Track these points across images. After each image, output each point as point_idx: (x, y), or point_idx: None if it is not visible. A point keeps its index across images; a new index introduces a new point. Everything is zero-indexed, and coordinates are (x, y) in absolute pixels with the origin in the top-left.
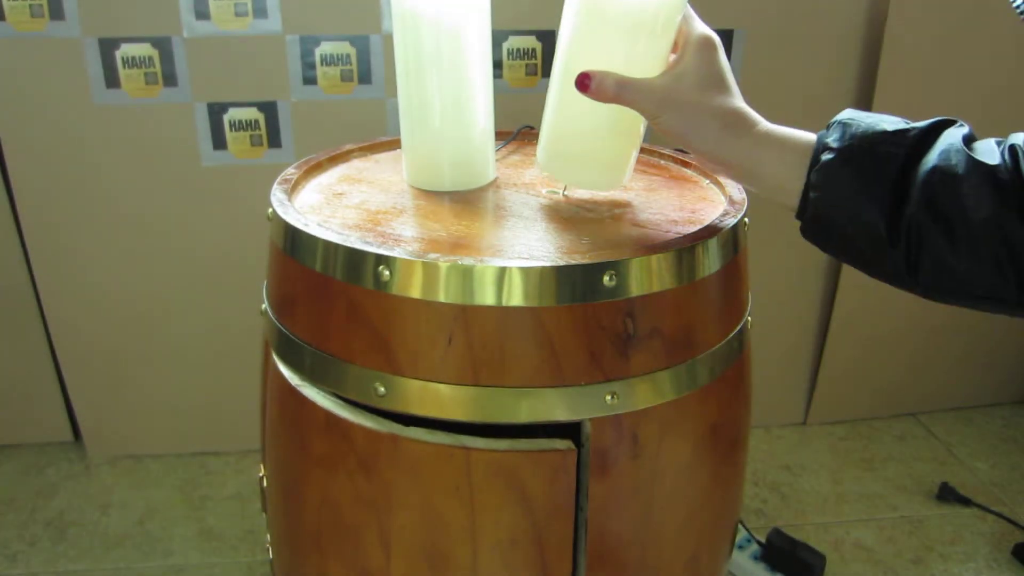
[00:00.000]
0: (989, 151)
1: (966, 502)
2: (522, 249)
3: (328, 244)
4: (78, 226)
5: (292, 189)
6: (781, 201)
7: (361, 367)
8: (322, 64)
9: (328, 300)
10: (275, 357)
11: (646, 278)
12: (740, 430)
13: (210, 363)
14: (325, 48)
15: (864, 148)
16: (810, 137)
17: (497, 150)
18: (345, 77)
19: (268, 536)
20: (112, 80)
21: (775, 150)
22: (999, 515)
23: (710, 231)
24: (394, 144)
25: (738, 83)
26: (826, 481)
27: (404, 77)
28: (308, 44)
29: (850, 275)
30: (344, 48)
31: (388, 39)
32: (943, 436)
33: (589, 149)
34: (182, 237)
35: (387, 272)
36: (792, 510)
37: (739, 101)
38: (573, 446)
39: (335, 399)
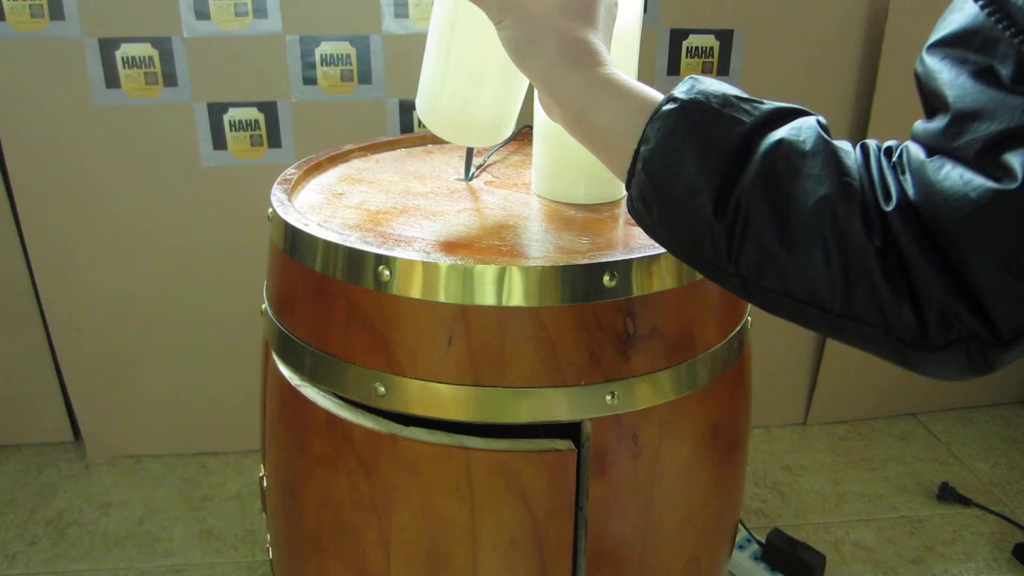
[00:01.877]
0: (842, 141)
1: (966, 502)
2: (522, 249)
3: (328, 244)
4: (78, 226)
5: (292, 189)
6: (610, 164)
7: (361, 367)
8: (322, 64)
9: (328, 300)
10: (275, 357)
11: (646, 278)
12: (740, 430)
13: (210, 363)
14: (325, 48)
15: (710, 106)
16: (657, 95)
17: (496, 150)
18: (345, 77)
19: (268, 536)
20: (112, 80)
21: (613, 97)
22: (999, 515)
23: None
24: (394, 144)
25: (738, 83)
26: (826, 481)
27: (448, 28)
28: (308, 44)
29: None
30: (344, 48)
31: (388, 39)
32: (943, 436)
33: (575, 162)
34: (182, 237)
35: (387, 272)
36: (792, 510)
37: (595, 36)
38: (573, 446)
39: (335, 399)
